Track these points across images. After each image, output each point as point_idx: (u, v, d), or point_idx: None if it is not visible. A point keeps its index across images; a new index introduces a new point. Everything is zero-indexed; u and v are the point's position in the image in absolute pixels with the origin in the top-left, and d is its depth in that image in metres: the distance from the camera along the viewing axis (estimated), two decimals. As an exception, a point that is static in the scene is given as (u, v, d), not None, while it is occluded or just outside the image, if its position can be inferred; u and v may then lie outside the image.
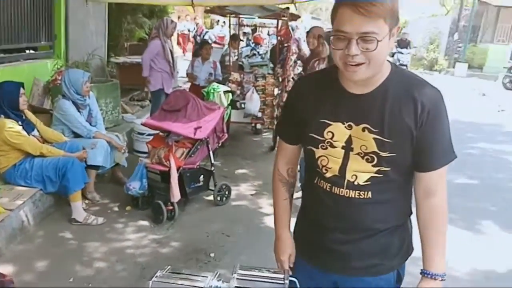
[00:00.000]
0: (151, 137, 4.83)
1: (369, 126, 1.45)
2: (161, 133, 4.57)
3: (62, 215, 4.16)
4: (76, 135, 4.62)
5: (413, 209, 1.64)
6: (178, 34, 14.55)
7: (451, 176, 5.72)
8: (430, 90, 1.46)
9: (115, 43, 10.02)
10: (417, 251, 1.66)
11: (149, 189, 4.32)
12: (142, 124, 4.77)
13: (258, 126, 7.40)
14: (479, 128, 9.17)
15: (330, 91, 1.52)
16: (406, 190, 1.59)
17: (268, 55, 10.83)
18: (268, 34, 15.04)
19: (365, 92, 1.46)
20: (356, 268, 1.60)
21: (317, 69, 4.80)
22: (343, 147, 1.49)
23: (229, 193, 4.75)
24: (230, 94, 6.22)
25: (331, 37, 1.38)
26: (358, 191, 1.51)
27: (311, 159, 1.59)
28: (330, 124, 1.50)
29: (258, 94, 6.68)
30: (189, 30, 14.48)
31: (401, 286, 1.67)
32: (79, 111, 4.61)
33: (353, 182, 1.50)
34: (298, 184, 2.13)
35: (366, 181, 1.49)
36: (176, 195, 4.12)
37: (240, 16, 8.76)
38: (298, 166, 1.94)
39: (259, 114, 6.71)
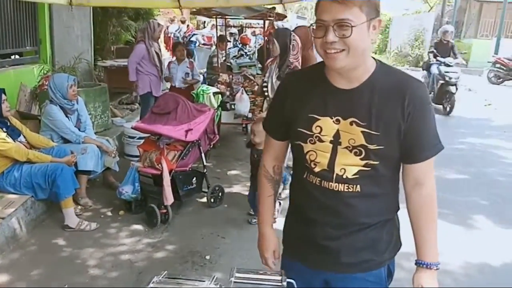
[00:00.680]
0: (142, 141, 4.80)
1: (357, 120, 1.48)
2: (151, 137, 4.54)
3: (54, 221, 4.12)
4: (66, 141, 4.57)
5: (401, 205, 1.67)
6: (165, 36, 14.41)
7: (441, 171, 5.80)
8: (415, 83, 1.52)
9: (102, 46, 9.94)
10: (409, 247, 1.68)
11: (142, 193, 4.29)
12: (133, 128, 4.74)
13: (249, 126, 7.39)
14: (467, 123, 9.26)
15: (318, 86, 1.56)
16: (394, 184, 1.63)
17: (256, 55, 10.82)
18: (254, 35, 15.01)
19: (352, 87, 1.51)
20: (346, 265, 1.61)
21: (272, 69, 4.68)
22: (331, 141, 1.52)
23: (222, 195, 4.74)
24: (220, 95, 6.21)
25: (312, 28, 1.46)
26: (347, 185, 1.53)
27: (299, 154, 1.61)
28: (318, 119, 1.53)
29: (248, 94, 6.68)
30: (174, 35, 14.33)
31: (398, 283, 1.68)
32: (67, 116, 4.57)
33: (342, 175, 1.53)
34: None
35: (354, 175, 1.52)
36: (169, 198, 4.10)
37: (227, 17, 8.75)
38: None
39: (249, 115, 6.70)
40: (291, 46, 4.56)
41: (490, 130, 8.85)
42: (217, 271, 3.40)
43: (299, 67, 4.48)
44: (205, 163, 4.65)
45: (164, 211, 4.16)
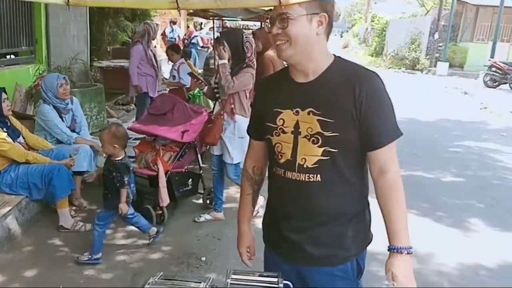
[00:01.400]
0: (138, 142, 4.77)
1: (313, 109, 1.59)
2: (147, 137, 4.52)
3: (49, 222, 4.09)
4: (59, 141, 4.54)
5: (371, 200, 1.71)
6: (163, 38, 14.38)
7: (438, 174, 5.82)
8: (368, 74, 1.62)
9: (98, 47, 9.93)
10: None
11: (138, 194, 4.25)
12: (129, 129, 4.69)
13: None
14: (463, 126, 9.30)
15: (283, 84, 1.71)
16: (358, 176, 1.68)
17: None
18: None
19: (309, 80, 1.64)
20: (312, 258, 1.68)
21: (220, 74, 4.02)
22: (292, 132, 1.62)
23: (218, 196, 4.71)
24: (216, 96, 6.16)
25: (267, 25, 1.69)
26: (308, 174, 1.61)
27: (270, 148, 1.73)
28: (281, 112, 1.65)
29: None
30: (169, 36, 14.25)
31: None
32: (61, 116, 4.52)
33: (303, 165, 1.61)
34: None
35: (314, 164, 1.60)
36: (165, 199, 4.08)
37: (224, 18, 8.74)
38: None
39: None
40: (245, 48, 4.11)
41: (486, 133, 8.89)
42: (212, 272, 3.39)
43: (254, 69, 4.18)
44: (201, 164, 4.64)
45: (160, 212, 4.14)
